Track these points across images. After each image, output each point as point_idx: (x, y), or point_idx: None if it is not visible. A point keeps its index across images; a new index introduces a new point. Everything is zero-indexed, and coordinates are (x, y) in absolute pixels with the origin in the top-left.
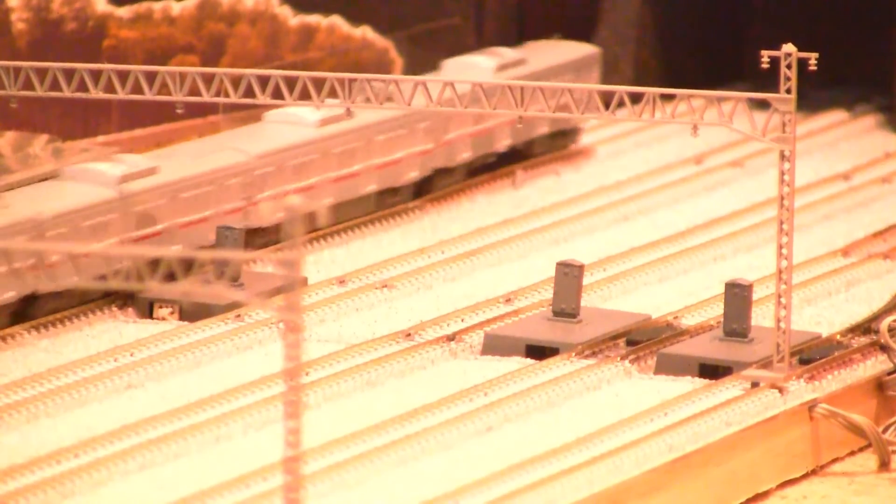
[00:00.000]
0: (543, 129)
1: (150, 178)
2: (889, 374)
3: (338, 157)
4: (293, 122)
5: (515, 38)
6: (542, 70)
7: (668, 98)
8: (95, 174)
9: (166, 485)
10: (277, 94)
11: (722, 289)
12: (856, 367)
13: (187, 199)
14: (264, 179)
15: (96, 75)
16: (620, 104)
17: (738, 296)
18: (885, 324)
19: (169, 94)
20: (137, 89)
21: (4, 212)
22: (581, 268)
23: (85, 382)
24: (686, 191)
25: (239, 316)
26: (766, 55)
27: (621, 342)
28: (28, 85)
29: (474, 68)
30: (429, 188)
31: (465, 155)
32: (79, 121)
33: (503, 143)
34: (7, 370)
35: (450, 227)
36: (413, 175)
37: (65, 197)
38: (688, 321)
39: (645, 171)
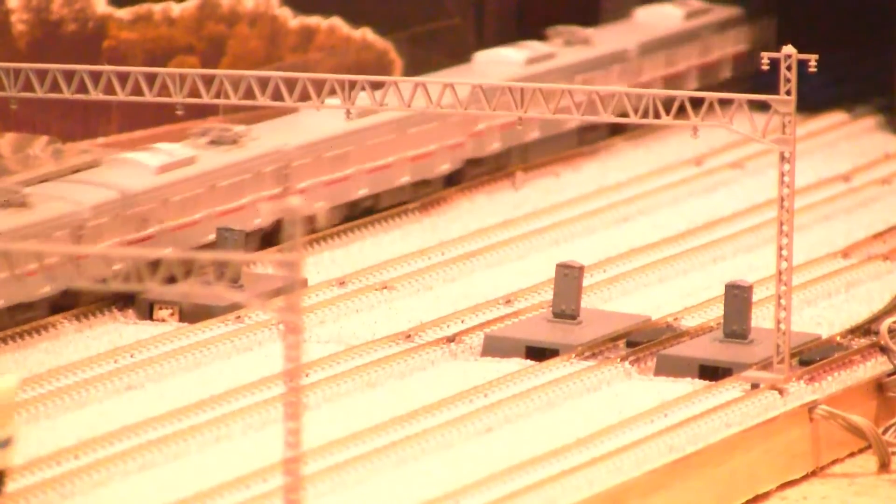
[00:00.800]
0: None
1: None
2: (889, 375)
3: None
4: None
5: (515, 38)
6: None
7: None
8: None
9: (166, 485)
10: (277, 96)
11: (722, 290)
12: (856, 368)
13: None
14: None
15: (96, 76)
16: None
17: (738, 297)
18: (885, 325)
19: (169, 95)
20: (137, 91)
21: (254, 143)
22: (581, 269)
23: (85, 383)
24: (686, 192)
25: (239, 317)
26: (765, 56)
27: (621, 343)
28: (28, 86)
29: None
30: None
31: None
32: (79, 122)
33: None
34: (7, 371)
35: (450, 228)
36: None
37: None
38: (688, 322)
39: (645, 172)
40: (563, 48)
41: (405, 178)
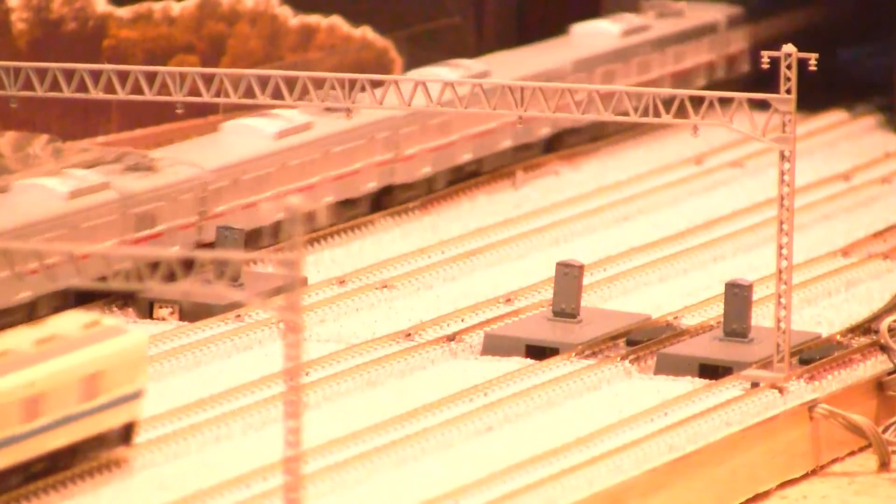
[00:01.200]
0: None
1: None
2: (889, 374)
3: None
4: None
5: (515, 37)
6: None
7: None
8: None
9: (166, 485)
10: (277, 95)
11: (722, 289)
12: (856, 367)
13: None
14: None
15: (96, 75)
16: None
17: (738, 296)
18: (885, 324)
19: (169, 94)
20: (137, 89)
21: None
22: (581, 268)
23: None
24: (686, 191)
25: (239, 316)
26: (766, 55)
27: (621, 342)
28: (28, 85)
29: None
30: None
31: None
32: (79, 121)
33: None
34: None
35: (450, 227)
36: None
37: None
38: (688, 321)
39: (645, 171)
40: (656, 21)
41: (507, 143)
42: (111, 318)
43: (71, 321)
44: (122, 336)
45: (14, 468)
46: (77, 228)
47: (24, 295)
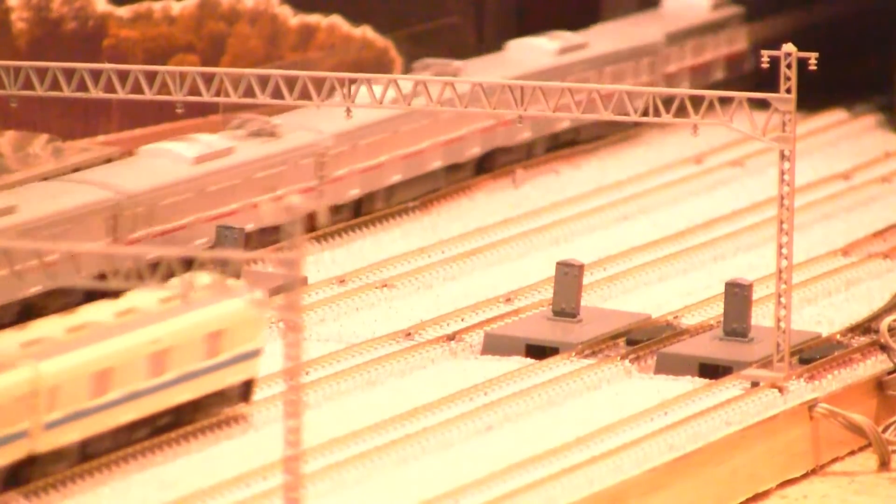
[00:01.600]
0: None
1: None
2: (889, 373)
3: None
4: None
5: (515, 37)
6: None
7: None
8: None
9: (166, 485)
10: (277, 94)
11: (722, 288)
12: (856, 366)
13: None
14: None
15: (96, 75)
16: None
17: (738, 295)
18: (885, 323)
19: (169, 93)
20: (137, 89)
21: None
22: (581, 267)
23: None
24: (686, 190)
25: None
26: (766, 55)
27: (621, 342)
28: (28, 84)
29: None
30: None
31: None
32: (79, 120)
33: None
34: None
35: (450, 227)
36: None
37: None
38: (688, 321)
39: (645, 171)
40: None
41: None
42: (233, 279)
43: (196, 281)
44: (242, 296)
45: (141, 421)
46: (202, 192)
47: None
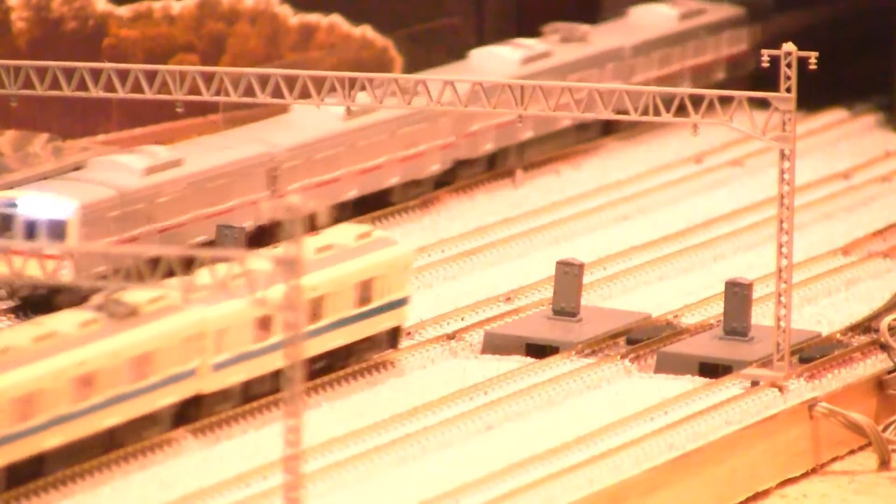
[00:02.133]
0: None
1: None
2: (889, 372)
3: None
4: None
5: (515, 36)
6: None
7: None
8: None
9: (166, 484)
10: (277, 94)
11: (722, 287)
12: (856, 365)
13: None
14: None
15: (96, 74)
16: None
17: (738, 294)
18: (885, 322)
19: (169, 93)
20: (137, 88)
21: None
22: (581, 266)
23: None
24: (686, 189)
25: None
26: (766, 54)
27: (621, 341)
28: (28, 84)
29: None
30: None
31: None
32: (79, 119)
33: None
34: None
35: (450, 227)
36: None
37: None
38: (688, 320)
39: (645, 170)
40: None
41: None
42: (381, 230)
43: (346, 232)
44: (391, 247)
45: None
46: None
47: None
